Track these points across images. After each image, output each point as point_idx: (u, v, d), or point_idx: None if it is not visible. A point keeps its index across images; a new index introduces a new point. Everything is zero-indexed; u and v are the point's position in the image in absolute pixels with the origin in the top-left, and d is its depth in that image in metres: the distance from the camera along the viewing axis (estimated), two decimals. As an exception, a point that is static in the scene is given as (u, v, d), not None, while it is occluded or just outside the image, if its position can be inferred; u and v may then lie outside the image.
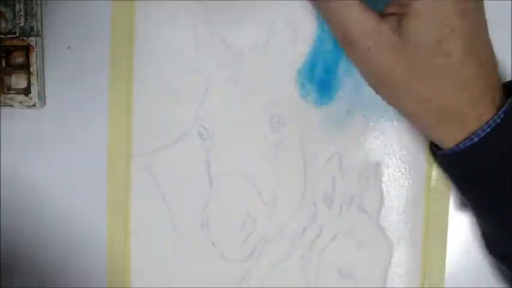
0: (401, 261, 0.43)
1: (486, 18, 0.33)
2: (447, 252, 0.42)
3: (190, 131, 0.44)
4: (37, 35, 0.42)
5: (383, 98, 0.34)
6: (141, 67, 0.43)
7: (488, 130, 0.32)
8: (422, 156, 0.42)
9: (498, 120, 0.32)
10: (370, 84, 0.34)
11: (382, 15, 0.32)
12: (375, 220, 0.43)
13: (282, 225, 0.43)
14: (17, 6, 0.42)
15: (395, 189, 0.43)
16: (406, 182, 0.43)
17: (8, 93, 0.43)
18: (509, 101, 0.32)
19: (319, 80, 0.43)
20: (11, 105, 0.43)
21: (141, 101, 0.43)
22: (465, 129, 0.33)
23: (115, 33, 0.43)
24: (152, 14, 0.43)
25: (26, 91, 0.43)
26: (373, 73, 0.33)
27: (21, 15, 0.42)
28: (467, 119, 0.32)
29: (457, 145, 0.33)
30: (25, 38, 0.42)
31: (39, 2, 0.42)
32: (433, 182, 0.42)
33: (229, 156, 0.43)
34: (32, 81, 0.43)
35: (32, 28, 0.42)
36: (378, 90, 0.34)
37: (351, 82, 0.42)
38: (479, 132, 0.32)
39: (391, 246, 0.43)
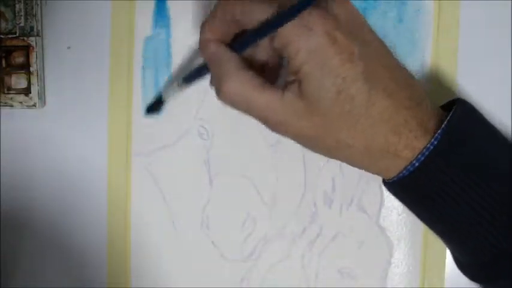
0: (401, 261, 0.43)
1: (389, 46, 0.34)
2: (447, 252, 0.42)
3: (190, 131, 0.44)
4: (37, 35, 0.42)
5: (320, 154, 0.35)
6: (141, 67, 0.43)
7: (425, 155, 0.33)
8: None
9: (433, 145, 0.33)
10: (302, 145, 0.35)
11: (286, 83, 0.33)
12: (375, 220, 0.43)
13: (282, 225, 0.43)
14: (17, 6, 0.42)
15: (395, 189, 0.43)
16: (406, 182, 0.43)
17: (8, 93, 0.43)
18: (442, 126, 0.33)
19: (319, 80, 0.43)
20: (11, 105, 0.43)
21: (141, 101, 0.43)
22: (400, 158, 0.33)
23: (115, 33, 0.43)
24: (152, 14, 0.43)
25: (26, 91, 0.43)
26: (297, 138, 0.34)
27: (21, 15, 0.42)
28: (397, 148, 0.33)
29: (398, 174, 0.34)
30: (25, 38, 0.42)
31: (39, 2, 0.42)
32: (433, 182, 0.42)
33: (229, 156, 0.43)
34: (32, 81, 0.43)
35: (32, 28, 0.42)
36: (311, 149, 0.35)
37: (351, 82, 0.42)
38: (420, 156, 0.33)
39: (391, 246, 0.43)
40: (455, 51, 0.42)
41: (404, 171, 0.34)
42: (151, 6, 0.43)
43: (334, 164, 0.43)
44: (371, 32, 0.34)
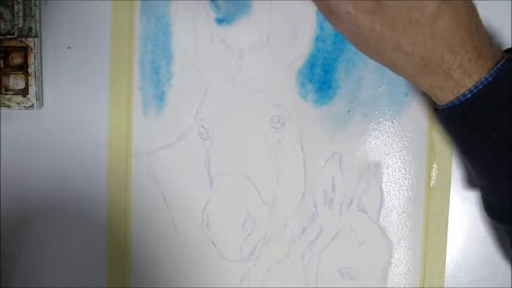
0: (401, 261, 0.43)
1: None
2: (447, 252, 0.42)
3: (190, 131, 0.43)
4: (35, 36, 0.42)
5: (370, 57, 0.35)
6: (141, 67, 0.43)
7: (481, 86, 0.33)
8: (423, 156, 0.42)
9: (491, 77, 0.33)
10: (356, 46, 0.35)
11: None
12: (375, 220, 0.43)
13: (282, 225, 0.44)
14: (16, 7, 0.41)
15: (395, 189, 0.43)
16: (406, 182, 0.43)
17: (6, 94, 0.43)
18: (506, 57, 0.33)
19: (319, 80, 0.43)
20: (9, 106, 0.43)
21: (141, 101, 0.43)
22: (452, 79, 0.34)
23: (115, 33, 0.43)
24: (152, 14, 0.43)
25: (24, 92, 0.42)
26: (357, 34, 0.34)
27: (19, 16, 0.41)
28: (450, 67, 0.34)
29: (452, 101, 0.34)
30: (23, 39, 0.42)
31: (38, 3, 0.42)
32: (433, 182, 0.42)
33: (229, 156, 0.43)
34: (30, 83, 0.42)
35: (30, 29, 0.42)
36: (363, 51, 0.35)
37: (351, 82, 0.42)
38: (473, 88, 0.33)
39: (391, 246, 0.43)
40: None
41: (460, 97, 0.34)
42: (151, 6, 0.43)
43: (334, 164, 0.43)
44: None
